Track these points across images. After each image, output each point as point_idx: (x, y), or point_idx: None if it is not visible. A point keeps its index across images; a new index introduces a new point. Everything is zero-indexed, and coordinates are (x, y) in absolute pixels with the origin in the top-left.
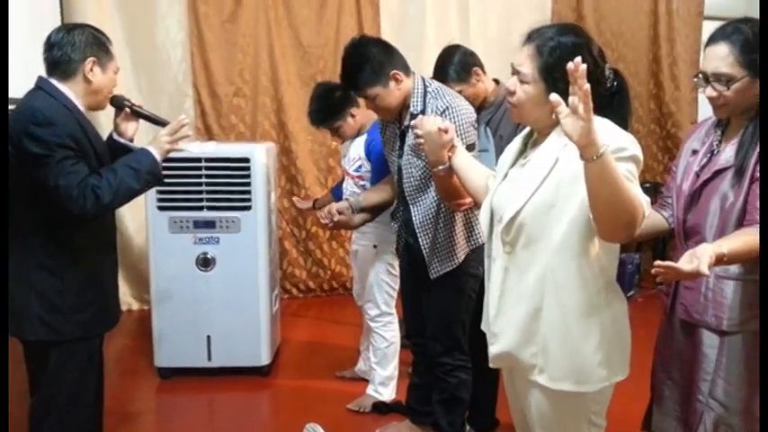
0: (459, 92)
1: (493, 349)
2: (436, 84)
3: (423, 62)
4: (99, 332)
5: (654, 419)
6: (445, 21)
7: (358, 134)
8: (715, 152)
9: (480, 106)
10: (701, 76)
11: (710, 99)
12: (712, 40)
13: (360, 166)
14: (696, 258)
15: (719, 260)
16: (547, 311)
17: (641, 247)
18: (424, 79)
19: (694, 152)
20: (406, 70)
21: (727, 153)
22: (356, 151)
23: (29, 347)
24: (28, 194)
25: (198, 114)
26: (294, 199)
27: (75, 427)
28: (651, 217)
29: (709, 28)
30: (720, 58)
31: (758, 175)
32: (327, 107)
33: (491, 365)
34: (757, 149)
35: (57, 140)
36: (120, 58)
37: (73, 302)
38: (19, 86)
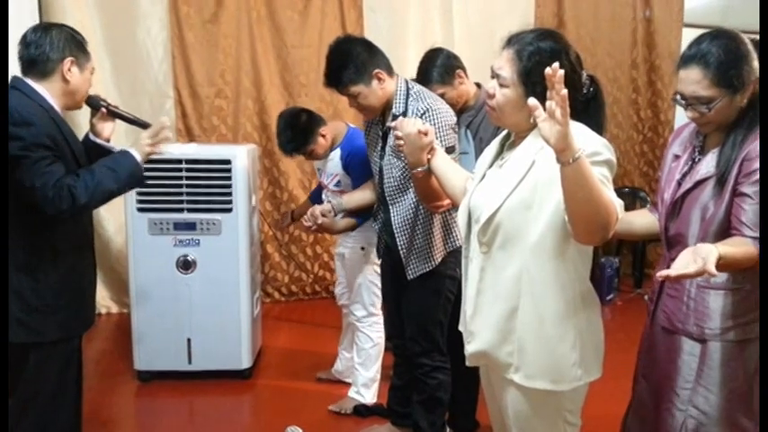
0: (443, 94)
1: (469, 348)
2: (418, 86)
3: (406, 65)
4: (77, 333)
5: (628, 423)
6: (429, 25)
7: (332, 149)
8: (696, 160)
9: (461, 109)
10: (679, 97)
11: (693, 120)
12: (684, 62)
13: (338, 182)
14: (701, 258)
15: (717, 261)
16: (523, 311)
17: (620, 250)
18: (407, 81)
19: (676, 157)
20: (390, 70)
21: (708, 162)
22: (333, 167)
23: (9, 349)
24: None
25: (179, 116)
26: (279, 221)
27: (53, 429)
28: (649, 219)
29: (688, 35)
30: (696, 81)
31: (743, 189)
32: (297, 135)
33: (468, 364)
34: (739, 161)
35: (34, 140)
36: (100, 58)
37: (50, 303)
38: None
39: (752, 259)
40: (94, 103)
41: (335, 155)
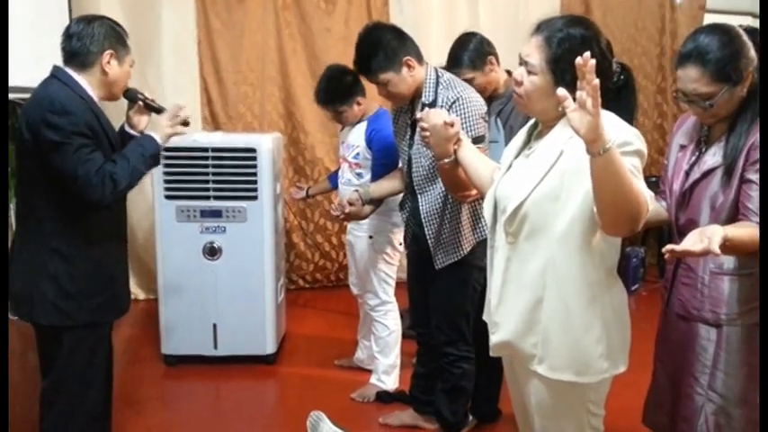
0: (472, 79)
1: (494, 338)
2: (448, 75)
3: (430, 53)
4: (109, 319)
5: (649, 409)
6: (454, 12)
7: (358, 121)
8: (702, 150)
9: (491, 97)
10: (680, 94)
11: (696, 115)
12: (681, 61)
13: (357, 154)
14: (707, 238)
15: (724, 243)
16: (548, 302)
17: (646, 240)
18: (436, 69)
19: (682, 147)
20: (419, 58)
21: (715, 153)
22: (355, 139)
23: (41, 332)
24: (44, 182)
25: (204, 103)
26: (291, 190)
27: (84, 410)
28: (656, 207)
29: (710, 21)
30: (695, 80)
31: (749, 176)
32: (336, 89)
33: (491, 354)
34: (745, 150)
35: (73, 129)
36: None
37: (84, 288)
38: (25, 75)
39: (757, 243)
40: (132, 96)
41: (361, 127)
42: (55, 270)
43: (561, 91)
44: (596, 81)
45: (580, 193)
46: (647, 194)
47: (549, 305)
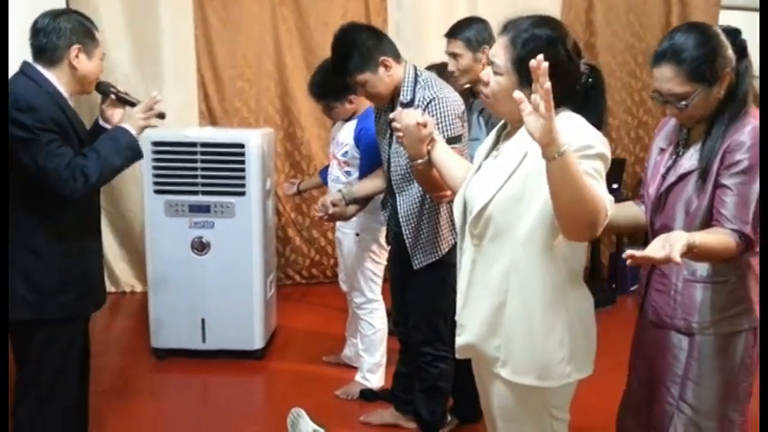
0: (460, 55)
1: (459, 340)
2: (427, 73)
3: (429, 48)
4: (82, 313)
5: (622, 417)
6: (453, 6)
7: (349, 118)
8: (680, 153)
9: (474, 94)
10: (656, 94)
11: (673, 115)
12: (657, 60)
13: (346, 152)
14: (669, 245)
15: (690, 249)
16: (511, 306)
17: (647, 240)
18: (415, 68)
19: (662, 150)
20: (397, 57)
21: (691, 156)
22: (345, 137)
23: (14, 327)
24: (12, 177)
25: (201, 98)
26: (284, 186)
27: (58, 404)
28: (633, 211)
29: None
30: (669, 79)
31: (723, 180)
32: (331, 84)
33: (457, 356)
34: (720, 153)
35: (39, 125)
36: (122, 40)
37: (55, 283)
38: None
39: (729, 250)
40: (104, 90)
41: (351, 125)
42: (24, 265)
43: (517, 94)
44: (548, 84)
45: (542, 196)
46: (606, 200)
47: (511, 308)
